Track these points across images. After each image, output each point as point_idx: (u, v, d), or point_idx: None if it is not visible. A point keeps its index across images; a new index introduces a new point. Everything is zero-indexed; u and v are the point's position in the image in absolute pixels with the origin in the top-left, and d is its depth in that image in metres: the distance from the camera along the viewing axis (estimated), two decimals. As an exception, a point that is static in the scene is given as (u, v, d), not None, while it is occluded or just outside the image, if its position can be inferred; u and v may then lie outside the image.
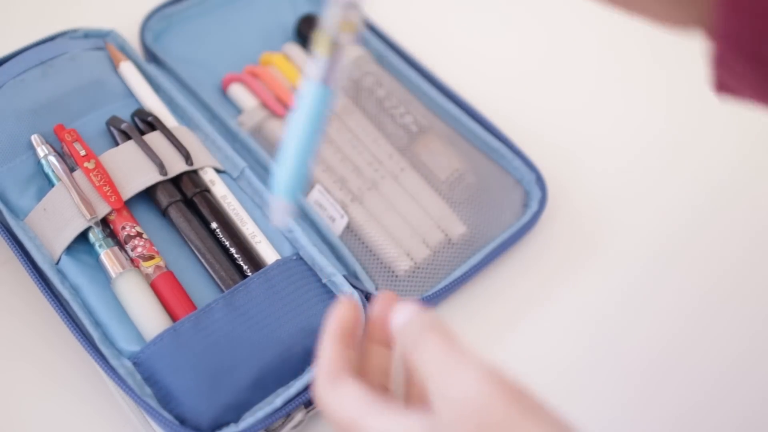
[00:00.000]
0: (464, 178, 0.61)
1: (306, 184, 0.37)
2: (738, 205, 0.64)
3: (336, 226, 0.58)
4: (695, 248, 0.61)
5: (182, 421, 0.46)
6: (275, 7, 0.69)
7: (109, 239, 0.51)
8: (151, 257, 0.51)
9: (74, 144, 0.53)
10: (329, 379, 0.37)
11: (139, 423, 0.48)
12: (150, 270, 0.51)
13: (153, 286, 0.51)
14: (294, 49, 0.66)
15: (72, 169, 0.53)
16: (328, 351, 0.37)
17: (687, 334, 0.57)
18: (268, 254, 0.54)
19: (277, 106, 0.63)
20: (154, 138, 0.55)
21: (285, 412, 0.48)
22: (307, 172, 0.37)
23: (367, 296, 0.54)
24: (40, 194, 0.52)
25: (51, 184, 0.52)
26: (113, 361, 0.47)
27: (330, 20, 0.35)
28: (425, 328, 0.36)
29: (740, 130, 0.68)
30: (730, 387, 0.54)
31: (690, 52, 0.73)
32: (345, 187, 0.60)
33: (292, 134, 0.37)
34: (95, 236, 0.51)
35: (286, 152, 0.37)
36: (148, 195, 0.54)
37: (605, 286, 0.59)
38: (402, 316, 0.37)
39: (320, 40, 0.35)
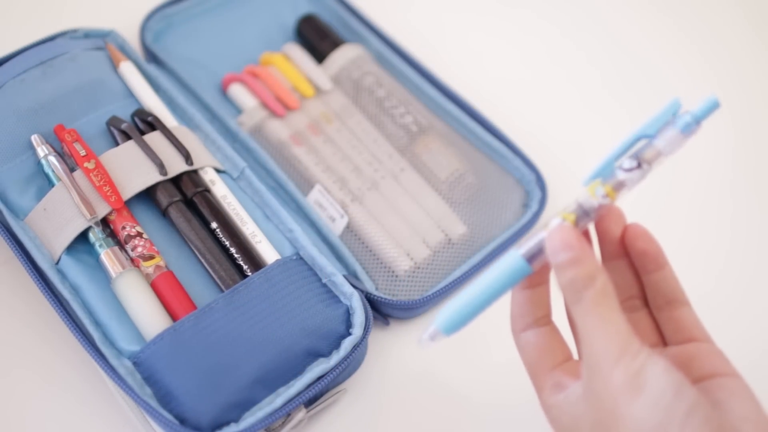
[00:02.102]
0: (464, 178, 0.61)
1: (463, 328, 0.40)
2: (739, 204, 0.64)
3: (336, 226, 0.58)
4: (695, 248, 0.61)
5: (182, 421, 0.46)
6: (275, 6, 0.69)
7: (110, 239, 0.51)
8: (151, 257, 0.51)
9: (74, 144, 0.53)
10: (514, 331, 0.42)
11: (139, 423, 0.48)
12: (150, 270, 0.51)
13: (153, 286, 0.51)
14: (294, 49, 0.66)
15: (72, 169, 0.53)
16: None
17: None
18: (269, 254, 0.54)
19: (277, 106, 0.63)
20: (154, 138, 0.55)
21: (285, 411, 0.48)
22: (471, 321, 0.40)
23: (367, 296, 0.54)
24: (40, 194, 0.52)
25: (51, 184, 0.52)
26: (113, 361, 0.47)
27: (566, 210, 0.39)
28: (589, 290, 0.36)
29: (739, 131, 0.68)
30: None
31: (690, 54, 0.74)
32: (345, 187, 0.60)
33: (478, 284, 0.39)
34: (95, 236, 0.51)
35: (464, 295, 0.39)
36: (148, 195, 0.54)
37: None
38: (565, 255, 0.37)
39: (545, 223, 0.39)
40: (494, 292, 0.39)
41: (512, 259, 0.39)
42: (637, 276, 0.43)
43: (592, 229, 0.42)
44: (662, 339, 0.43)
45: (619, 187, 0.39)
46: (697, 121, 0.38)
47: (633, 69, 0.72)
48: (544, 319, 0.42)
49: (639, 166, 0.38)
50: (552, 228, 0.38)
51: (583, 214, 0.39)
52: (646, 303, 0.43)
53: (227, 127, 0.61)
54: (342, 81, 0.65)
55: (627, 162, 0.38)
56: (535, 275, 0.40)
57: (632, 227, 0.42)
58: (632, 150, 0.39)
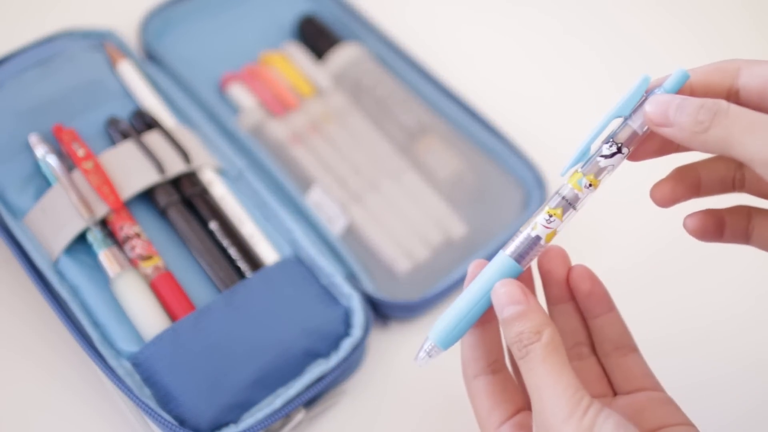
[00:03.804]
0: (464, 178, 0.61)
1: (458, 339, 0.39)
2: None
3: (336, 227, 0.58)
4: (696, 248, 0.61)
5: (181, 422, 0.46)
6: (273, 5, 0.69)
7: (108, 239, 0.51)
8: (150, 257, 0.51)
9: (72, 144, 0.53)
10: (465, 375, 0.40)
11: (138, 424, 0.48)
12: (149, 270, 0.51)
13: (152, 287, 0.50)
14: (293, 48, 0.66)
15: (71, 169, 0.53)
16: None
17: (688, 334, 0.57)
18: (267, 255, 0.53)
19: (276, 106, 0.63)
20: (152, 138, 0.55)
21: (284, 412, 0.48)
22: (466, 331, 0.39)
23: (367, 297, 0.54)
24: (39, 194, 0.52)
25: (49, 184, 0.52)
26: (112, 362, 0.47)
27: (541, 218, 0.38)
28: (536, 344, 0.36)
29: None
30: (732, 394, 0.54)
31: (696, 53, 0.74)
32: (344, 187, 0.60)
33: (468, 293, 0.38)
34: (94, 236, 0.51)
35: (456, 306, 0.38)
36: (146, 195, 0.54)
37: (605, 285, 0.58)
38: (511, 309, 0.36)
39: (530, 221, 0.38)
40: (487, 297, 0.38)
41: (501, 260, 0.38)
42: (584, 321, 0.42)
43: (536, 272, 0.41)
44: (611, 388, 0.42)
45: (599, 173, 0.38)
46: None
47: (636, 67, 0.72)
48: (496, 364, 0.40)
49: (619, 150, 0.38)
50: (496, 284, 0.37)
51: (567, 206, 0.38)
52: (593, 350, 0.42)
53: (226, 126, 0.61)
54: (342, 80, 0.65)
55: (606, 148, 0.38)
56: (483, 314, 0.39)
57: (577, 268, 0.41)
58: (607, 132, 0.38)
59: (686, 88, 0.37)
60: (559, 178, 0.62)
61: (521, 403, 0.40)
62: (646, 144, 0.39)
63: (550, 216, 0.38)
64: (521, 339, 0.36)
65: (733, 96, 0.37)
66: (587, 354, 0.42)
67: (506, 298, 0.37)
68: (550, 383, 0.35)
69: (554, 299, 0.42)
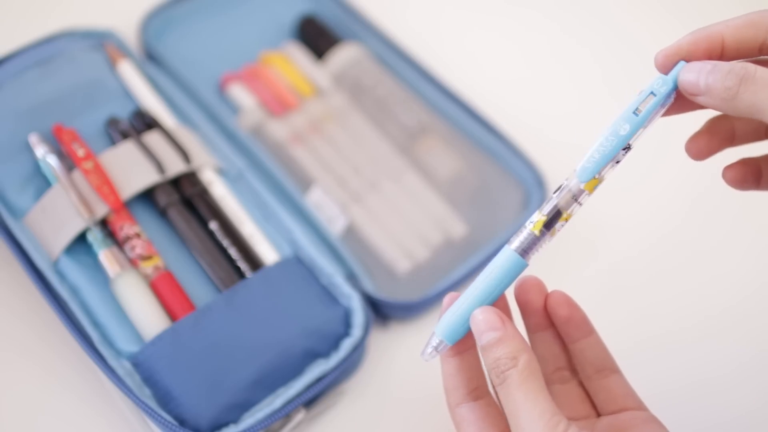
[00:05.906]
0: (464, 178, 0.61)
1: (465, 333, 0.39)
2: (739, 202, 0.64)
3: (336, 227, 0.58)
4: (696, 248, 0.61)
5: (181, 422, 0.46)
6: (273, 5, 0.69)
7: (108, 239, 0.51)
8: (150, 257, 0.51)
9: (72, 144, 0.53)
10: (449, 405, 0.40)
11: (138, 424, 0.48)
12: (149, 270, 0.51)
13: (152, 287, 0.50)
14: (293, 48, 0.66)
15: (71, 169, 0.52)
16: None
17: (688, 336, 0.57)
18: (267, 255, 0.53)
19: (276, 106, 0.63)
20: (152, 138, 0.55)
21: (284, 412, 0.48)
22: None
23: (367, 297, 0.54)
24: (39, 194, 0.52)
25: (49, 184, 0.52)
26: (112, 362, 0.47)
27: (550, 205, 0.38)
28: (512, 370, 0.36)
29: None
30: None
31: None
32: (344, 187, 0.60)
33: (474, 287, 0.38)
34: (94, 236, 0.51)
35: (462, 301, 0.38)
36: (146, 195, 0.54)
37: (605, 286, 0.58)
38: (489, 335, 0.37)
39: (537, 221, 0.38)
40: (493, 291, 0.38)
41: (506, 255, 0.38)
42: (564, 346, 0.42)
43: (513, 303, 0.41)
44: (595, 409, 0.42)
45: (603, 169, 0.38)
46: (675, 89, 0.37)
47: (635, 68, 0.72)
48: (478, 390, 0.40)
49: (627, 151, 0.38)
50: (475, 310, 0.37)
51: (573, 202, 0.38)
52: (575, 373, 0.43)
53: (226, 126, 0.60)
54: (342, 80, 0.65)
55: (622, 154, 0.38)
56: (460, 342, 0.39)
57: (554, 295, 0.41)
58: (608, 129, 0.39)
59: (718, 44, 0.37)
60: (557, 180, 0.62)
61: (505, 427, 0.40)
62: (679, 102, 0.38)
63: (566, 221, 0.38)
64: (498, 365, 0.36)
65: (766, 50, 0.37)
66: (569, 377, 0.43)
67: (484, 324, 0.37)
68: (527, 408, 0.35)
69: (534, 327, 0.42)
